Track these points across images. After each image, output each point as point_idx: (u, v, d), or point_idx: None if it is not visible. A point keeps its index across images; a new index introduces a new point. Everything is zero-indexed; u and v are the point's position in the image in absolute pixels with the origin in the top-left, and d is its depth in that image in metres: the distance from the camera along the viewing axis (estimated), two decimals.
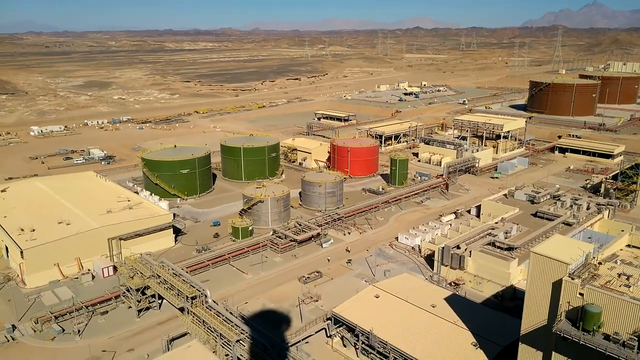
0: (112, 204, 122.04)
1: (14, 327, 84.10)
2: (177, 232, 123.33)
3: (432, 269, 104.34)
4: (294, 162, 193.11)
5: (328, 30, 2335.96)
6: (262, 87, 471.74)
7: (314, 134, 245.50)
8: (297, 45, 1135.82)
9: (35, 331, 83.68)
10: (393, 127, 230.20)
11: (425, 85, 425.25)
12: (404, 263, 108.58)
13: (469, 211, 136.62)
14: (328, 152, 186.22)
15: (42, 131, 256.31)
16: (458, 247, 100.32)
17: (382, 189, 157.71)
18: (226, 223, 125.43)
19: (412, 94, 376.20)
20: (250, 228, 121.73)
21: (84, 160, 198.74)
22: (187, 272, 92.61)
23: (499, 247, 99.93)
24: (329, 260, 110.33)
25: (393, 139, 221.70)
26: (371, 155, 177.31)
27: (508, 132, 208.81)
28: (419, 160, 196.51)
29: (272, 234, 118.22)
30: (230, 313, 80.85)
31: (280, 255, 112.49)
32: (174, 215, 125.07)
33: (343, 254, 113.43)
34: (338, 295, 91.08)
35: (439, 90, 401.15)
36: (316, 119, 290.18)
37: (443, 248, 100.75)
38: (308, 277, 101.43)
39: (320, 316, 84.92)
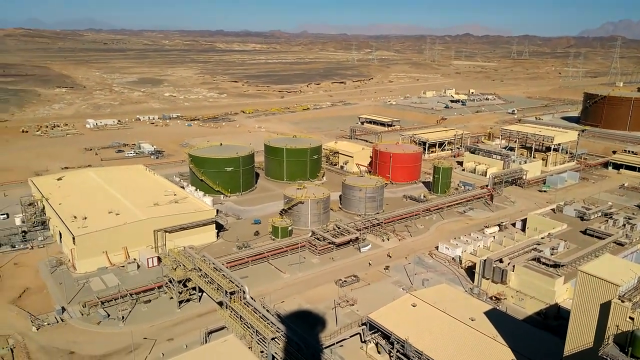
0: (159, 197, 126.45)
1: (63, 309, 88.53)
2: (220, 227, 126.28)
3: (473, 282, 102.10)
4: (335, 165, 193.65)
5: (376, 34, 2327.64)
6: (308, 89, 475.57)
7: (356, 138, 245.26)
8: (344, 49, 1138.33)
9: (82, 314, 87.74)
10: (438, 135, 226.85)
11: (473, 93, 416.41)
12: (444, 273, 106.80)
13: (513, 224, 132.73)
14: (370, 156, 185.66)
15: (97, 124, 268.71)
16: (501, 261, 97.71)
17: (424, 196, 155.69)
18: (266, 222, 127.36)
19: (459, 101, 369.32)
20: (289, 228, 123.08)
21: (134, 154, 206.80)
22: (227, 268, 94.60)
23: (544, 264, 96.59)
24: (370, 264, 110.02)
25: (437, 146, 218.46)
26: (414, 162, 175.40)
27: (559, 144, 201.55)
28: (464, 170, 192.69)
29: (311, 236, 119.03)
30: (267, 311, 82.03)
31: (318, 257, 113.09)
32: (217, 211, 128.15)
33: (381, 259, 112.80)
34: (374, 301, 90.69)
35: (487, 99, 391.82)
36: (359, 123, 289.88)
37: (485, 260, 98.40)
38: (345, 281, 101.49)
39: (355, 321, 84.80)
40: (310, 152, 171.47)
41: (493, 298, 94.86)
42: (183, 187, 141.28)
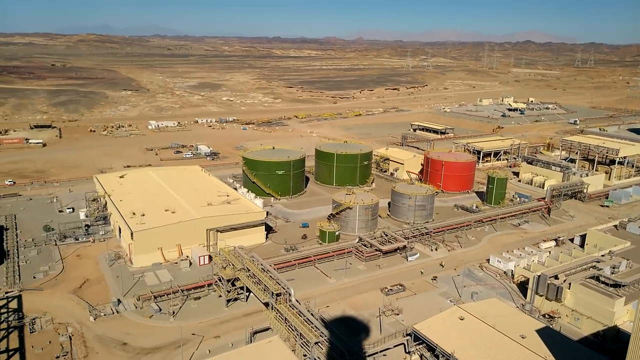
0: (212, 198, 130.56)
1: (119, 301, 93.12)
2: (269, 229, 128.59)
3: (525, 298, 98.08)
4: (385, 171, 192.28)
5: (432, 41, 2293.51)
6: (361, 95, 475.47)
7: (408, 145, 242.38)
8: (399, 56, 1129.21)
9: (136, 307, 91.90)
10: (493, 144, 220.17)
11: (532, 101, 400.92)
12: (494, 287, 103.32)
13: (572, 240, 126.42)
14: (421, 164, 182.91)
15: (158, 126, 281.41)
16: (556, 277, 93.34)
17: (476, 207, 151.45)
18: (314, 226, 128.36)
19: (517, 110, 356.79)
20: (337, 233, 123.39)
21: (192, 155, 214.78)
22: (274, 269, 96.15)
23: (603, 283, 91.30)
24: (422, 272, 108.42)
25: (492, 155, 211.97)
26: (467, 171, 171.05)
27: (624, 157, 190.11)
28: (520, 181, 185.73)
29: (358, 242, 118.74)
30: (312, 314, 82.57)
31: (364, 264, 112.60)
32: (267, 213, 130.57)
33: (429, 269, 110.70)
34: (420, 311, 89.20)
35: (547, 108, 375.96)
36: (412, 130, 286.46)
37: (539, 276, 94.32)
38: (390, 289, 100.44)
39: (400, 330, 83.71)
40: (360, 158, 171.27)
41: (546, 316, 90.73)
42: (236, 189, 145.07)
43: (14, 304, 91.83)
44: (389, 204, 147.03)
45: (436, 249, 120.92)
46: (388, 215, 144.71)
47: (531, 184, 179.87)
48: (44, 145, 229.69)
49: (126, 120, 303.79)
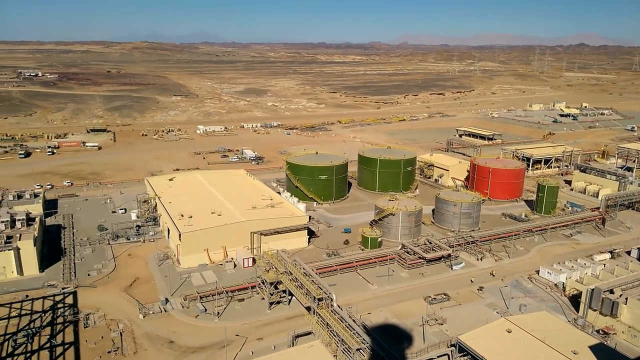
0: (257, 201, 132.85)
1: (166, 300, 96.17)
2: (311, 234, 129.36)
3: (577, 312, 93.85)
4: (429, 178, 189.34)
5: (479, 44, 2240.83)
6: (405, 100, 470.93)
7: (453, 151, 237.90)
8: (445, 60, 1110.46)
9: (183, 307, 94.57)
10: (544, 150, 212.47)
11: (586, 107, 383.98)
12: (544, 300, 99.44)
13: (628, 252, 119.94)
14: (467, 171, 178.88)
15: (206, 130, 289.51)
16: (611, 292, 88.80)
17: (525, 216, 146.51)
18: (357, 231, 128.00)
19: (569, 115, 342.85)
20: (379, 239, 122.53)
21: (237, 159, 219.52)
22: (316, 274, 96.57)
23: None
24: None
25: (543, 163, 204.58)
26: (515, 179, 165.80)
27: None
28: (572, 189, 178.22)
29: (401, 249, 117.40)
30: (353, 320, 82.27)
31: (407, 271, 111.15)
32: (310, 217, 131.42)
33: (475, 279, 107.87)
34: (465, 322, 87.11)
35: (602, 114, 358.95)
36: (457, 135, 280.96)
37: (593, 290, 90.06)
38: (434, 298, 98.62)
39: (444, 341, 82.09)
40: (404, 164, 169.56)
41: (600, 332, 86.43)
42: (279, 193, 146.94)
43: (69, 300, 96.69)
44: (433, 211, 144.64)
45: (481, 259, 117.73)
46: (432, 222, 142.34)
47: (584, 193, 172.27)
48: (100, 148, 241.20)
49: (176, 124, 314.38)
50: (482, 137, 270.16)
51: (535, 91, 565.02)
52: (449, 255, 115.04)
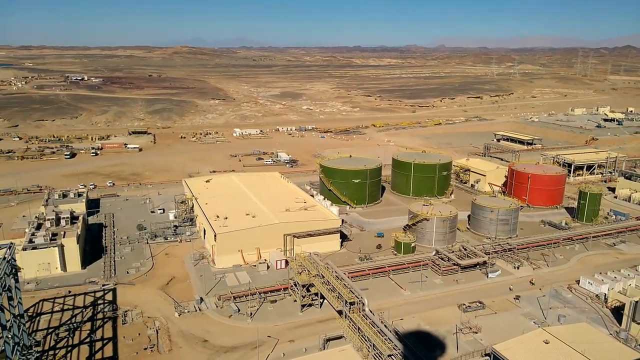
0: (290, 204, 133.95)
1: (201, 299, 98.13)
2: (343, 237, 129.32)
3: (619, 324, 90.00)
4: (465, 183, 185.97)
5: (519, 47, 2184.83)
6: (441, 104, 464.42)
7: (490, 156, 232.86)
8: (483, 63, 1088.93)
9: (217, 306, 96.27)
10: (586, 156, 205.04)
11: (632, 111, 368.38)
12: (584, 311, 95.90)
13: None
14: (505, 176, 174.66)
15: (242, 133, 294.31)
16: None
17: (566, 223, 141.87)
18: (389, 236, 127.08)
19: (614, 120, 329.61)
20: (412, 244, 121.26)
21: (272, 162, 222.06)
22: (348, 277, 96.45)
23: None
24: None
25: (585, 169, 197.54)
26: (555, 185, 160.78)
27: None
28: (616, 197, 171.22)
29: (435, 254, 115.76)
30: (385, 326, 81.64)
31: (441, 278, 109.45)
32: (342, 221, 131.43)
33: (512, 287, 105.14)
34: (500, 331, 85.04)
35: None
36: (495, 140, 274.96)
37: (637, 302, 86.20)
38: (469, 306, 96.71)
39: (478, 350, 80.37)
40: (439, 168, 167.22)
41: None
42: (312, 196, 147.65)
43: (109, 297, 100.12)
44: (468, 216, 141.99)
45: (518, 267, 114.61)
46: (467, 228, 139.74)
47: (629, 201, 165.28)
48: (140, 150, 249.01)
49: (213, 127, 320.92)
50: (521, 142, 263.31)
51: (577, 95, 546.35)
52: (485, 262, 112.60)
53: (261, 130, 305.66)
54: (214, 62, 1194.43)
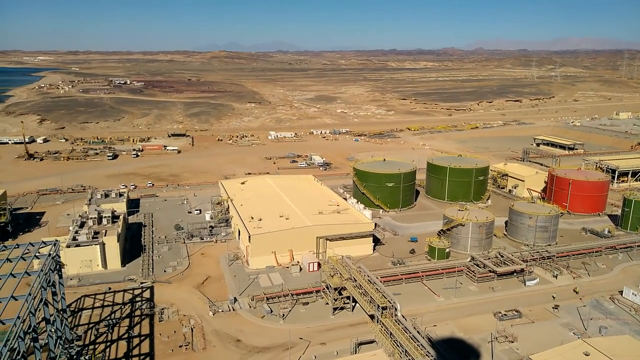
0: (323, 207, 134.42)
1: (235, 299, 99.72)
2: (376, 241, 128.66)
3: None
4: (503, 188, 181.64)
5: (561, 49, 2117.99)
6: (478, 107, 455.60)
7: (529, 161, 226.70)
8: (523, 66, 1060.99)
9: (250, 307, 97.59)
10: (632, 162, 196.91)
11: None
12: (627, 323, 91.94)
13: None
14: (545, 182, 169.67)
15: (277, 136, 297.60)
16: None
17: (609, 231, 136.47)
18: (423, 241, 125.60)
19: None
20: (447, 250, 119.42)
21: (306, 165, 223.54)
22: (380, 282, 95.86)
23: None
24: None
25: (630, 175, 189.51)
26: (598, 191, 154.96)
27: None
28: None
29: (470, 261, 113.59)
30: (418, 332, 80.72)
31: (476, 285, 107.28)
32: (375, 225, 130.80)
33: (549, 297, 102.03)
34: (538, 341, 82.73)
35: None
36: (534, 144, 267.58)
37: None
38: (505, 314, 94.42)
39: (514, 359, 78.29)
40: (475, 173, 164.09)
41: None
42: (346, 199, 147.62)
43: (147, 294, 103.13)
44: (506, 223, 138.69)
45: (556, 276, 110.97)
46: (504, 235, 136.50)
47: None
48: (179, 152, 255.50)
49: (249, 130, 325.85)
50: (562, 147, 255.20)
51: (622, 98, 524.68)
52: (522, 270, 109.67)
53: (295, 134, 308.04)
54: (251, 66, 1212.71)
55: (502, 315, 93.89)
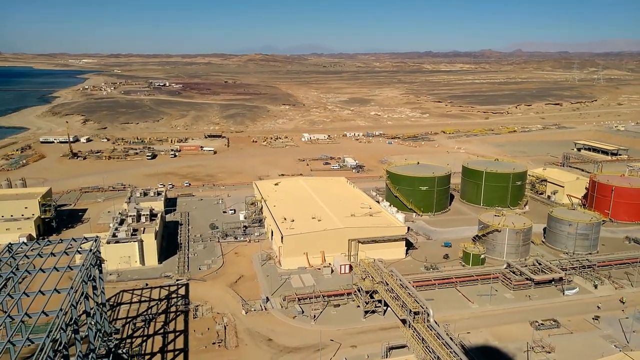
0: (355, 209, 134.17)
1: (267, 299, 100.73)
2: (409, 245, 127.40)
3: None
4: (541, 194, 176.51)
5: (604, 51, 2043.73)
6: (516, 110, 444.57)
7: (570, 166, 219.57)
8: (563, 68, 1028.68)
9: (282, 307, 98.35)
10: None
11: None
12: None
13: None
14: (586, 188, 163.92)
15: (310, 138, 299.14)
16: None
17: None
18: (457, 246, 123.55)
19: None
20: (482, 256, 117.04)
21: (339, 167, 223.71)
22: (413, 286, 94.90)
23: None
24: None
25: None
26: None
27: None
28: None
29: (506, 268, 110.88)
30: (451, 338, 79.46)
31: (512, 292, 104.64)
32: (408, 228, 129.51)
33: (590, 307, 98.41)
34: (576, 353, 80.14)
35: None
36: (575, 149, 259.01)
37: None
38: (542, 324, 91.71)
39: None
40: (512, 178, 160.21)
41: None
42: (378, 202, 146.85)
43: (182, 291, 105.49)
44: (544, 229, 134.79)
45: (596, 286, 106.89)
46: (542, 242, 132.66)
47: None
48: (215, 152, 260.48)
49: (283, 132, 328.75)
50: (605, 152, 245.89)
51: None
52: (561, 279, 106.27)
53: (329, 136, 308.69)
54: (286, 69, 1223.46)
55: (539, 325, 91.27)
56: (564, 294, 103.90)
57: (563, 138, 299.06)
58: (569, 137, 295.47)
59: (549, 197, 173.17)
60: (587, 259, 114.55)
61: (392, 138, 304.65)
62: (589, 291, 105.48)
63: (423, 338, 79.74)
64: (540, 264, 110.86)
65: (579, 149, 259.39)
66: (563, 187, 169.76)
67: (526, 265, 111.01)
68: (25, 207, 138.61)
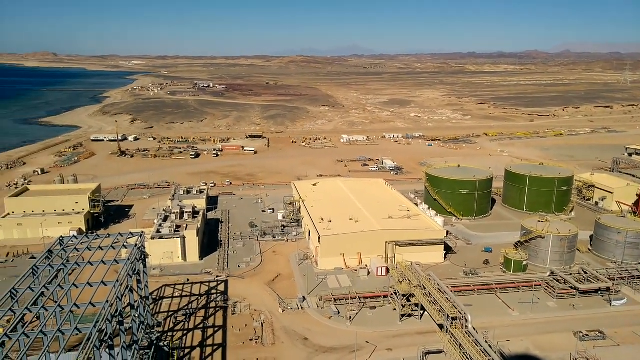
0: (393, 211, 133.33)
1: (304, 298, 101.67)
2: (448, 249, 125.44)
3: None
4: (588, 200, 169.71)
5: None
6: (563, 113, 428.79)
7: (620, 172, 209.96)
8: (615, 69, 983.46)
9: (318, 307, 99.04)
10: None
11: None
12: None
13: None
14: (637, 195, 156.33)
15: (349, 139, 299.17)
16: None
17: None
18: (498, 252, 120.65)
19: None
20: (524, 263, 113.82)
21: (377, 169, 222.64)
22: (451, 291, 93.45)
23: None
24: None
25: None
26: None
27: None
28: None
29: (549, 275, 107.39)
30: (490, 346, 77.81)
31: (555, 301, 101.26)
32: (447, 232, 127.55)
33: (638, 319, 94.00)
34: None
35: None
36: (626, 154, 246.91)
37: None
38: (586, 335, 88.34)
39: None
40: (558, 183, 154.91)
41: None
42: (417, 205, 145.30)
43: (221, 287, 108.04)
44: (591, 237, 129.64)
45: None
46: (589, 250, 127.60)
47: None
48: (255, 152, 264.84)
49: (322, 133, 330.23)
50: None
51: None
52: (608, 288, 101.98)
53: (368, 137, 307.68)
54: (326, 70, 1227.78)
55: (583, 336, 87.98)
56: (611, 304, 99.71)
57: (613, 142, 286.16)
58: (620, 142, 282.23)
59: (596, 203, 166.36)
60: (636, 269, 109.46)
61: (432, 140, 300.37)
62: (638, 302, 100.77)
63: (461, 344, 78.55)
64: (586, 272, 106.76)
65: (630, 154, 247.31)
66: (612, 193, 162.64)
67: (571, 274, 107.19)
68: (76, 202, 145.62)
